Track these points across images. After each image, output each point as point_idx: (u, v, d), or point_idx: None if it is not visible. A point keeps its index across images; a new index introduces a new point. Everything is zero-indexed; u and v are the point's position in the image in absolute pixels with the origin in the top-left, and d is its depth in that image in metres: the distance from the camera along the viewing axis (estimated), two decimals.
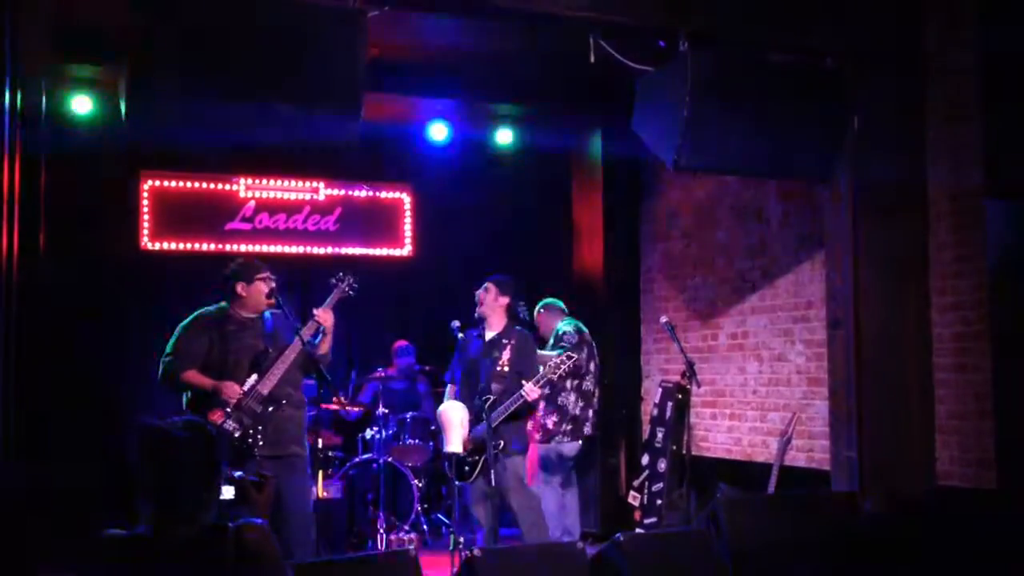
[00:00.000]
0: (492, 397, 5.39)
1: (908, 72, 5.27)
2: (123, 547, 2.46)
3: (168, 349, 4.80)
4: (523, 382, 5.32)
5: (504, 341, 5.48)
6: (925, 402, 5.19)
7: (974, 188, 4.96)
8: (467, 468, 5.46)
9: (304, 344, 4.73)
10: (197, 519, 2.49)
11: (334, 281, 5.07)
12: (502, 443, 5.35)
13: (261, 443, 4.67)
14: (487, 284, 5.55)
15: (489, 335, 5.53)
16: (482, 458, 5.33)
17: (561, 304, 6.66)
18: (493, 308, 5.52)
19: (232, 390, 4.67)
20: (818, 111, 5.12)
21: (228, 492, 2.69)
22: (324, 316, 4.88)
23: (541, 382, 5.29)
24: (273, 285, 4.88)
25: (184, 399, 4.83)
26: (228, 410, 4.65)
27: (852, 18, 5.19)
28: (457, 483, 5.42)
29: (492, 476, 5.22)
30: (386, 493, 6.65)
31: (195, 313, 4.90)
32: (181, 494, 2.49)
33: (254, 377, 4.75)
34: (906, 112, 5.27)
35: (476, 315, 5.59)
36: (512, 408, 5.34)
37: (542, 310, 6.64)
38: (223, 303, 4.91)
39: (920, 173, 5.25)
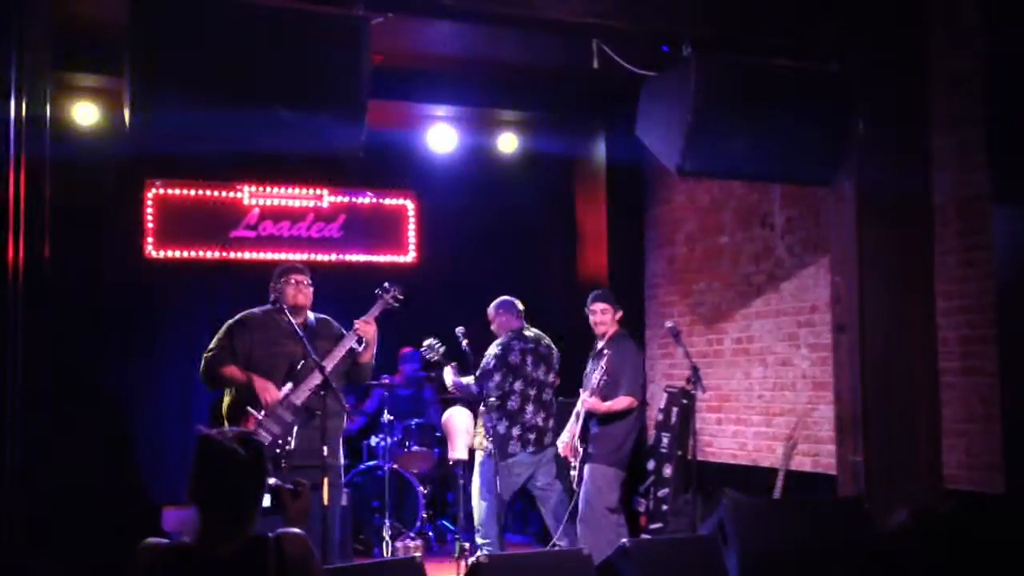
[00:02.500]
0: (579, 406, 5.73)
1: (912, 76, 5.26)
2: (164, 557, 2.46)
3: (211, 345, 4.83)
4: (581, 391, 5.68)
5: (605, 352, 5.75)
6: (931, 406, 5.17)
7: (980, 192, 4.95)
8: (571, 472, 5.81)
9: (322, 371, 4.64)
10: (243, 530, 2.50)
11: (379, 292, 5.05)
12: (581, 450, 5.67)
13: (290, 452, 4.64)
14: (603, 306, 5.88)
15: (599, 345, 5.88)
16: (576, 463, 5.73)
17: (518, 305, 6.22)
18: (604, 322, 5.89)
19: (270, 392, 4.66)
20: (822, 115, 5.11)
21: (265, 500, 2.71)
22: (365, 328, 4.87)
23: (588, 390, 5.59)
24: (304, 288, 4.90)
25: (224, 404, 4.83)
26: (260, 418, 4.62)
27: (855, 22, 5.19)
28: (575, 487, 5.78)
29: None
30: (392, 500, 6.64)
31: (242, 313, 4.94)
32: (231, 505, 2.50)
33: (289, 386, 4.72)
34: (910, 116, 5.26)
35: (599, 339, 5.93)
36: (581, 422, 5.66)
37: (493, 309, 6.26)
38: (270, 306, 4.93)
39: (925, 177, 5.24)
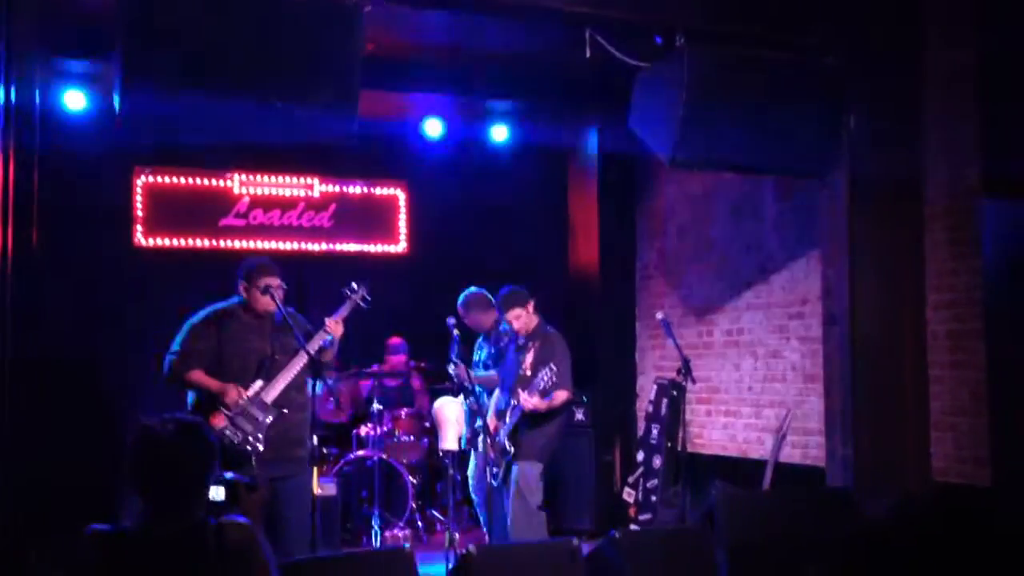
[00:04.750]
0: (514, 402, 5.47)
1: (905, 70, 5.27)
2: (105, 542, 2.48)
3: (174, 347, 4.71)
4: (519, 391, 5.36)
5: (530, 344, 5.57)
6: (920, 399, 5.20)
7: (970, 187, 4.96)
8: (496, 470, 5.54)
9: (311, 356, 4.65)
10: (183, 518, 2.51)
11: (347, 292, 4.96)
12: (513, 450, 5.44)
13: (261, 448, 4.62)
14: (517, 311, 5.54)
15: (520, 340, 5.65)
16: (504, 462, 5.47)
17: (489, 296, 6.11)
18: (524, 324, 5.59)
19: (233, 397, 4.62)
20: (815, 108, 5.12)
21: (219, 493, 2.70)
22: (335, 328, 4.80)
23: (535, 392, 5.30)
24: (277, 293, 4.73)
25: (190, 399, 4.78)
26: (230, 415, 4.60)
27: (849, 16, 5.19)
28: (495, 484, 5.54)
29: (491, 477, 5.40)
30: (381, 490, 6.63)
31: (206, 309, 4.80)
32: (167, 492, 2.51)
33: (259, 383, 4.67)
34: (902, 110, 5.27)
35: (522, 337, 5.61)
36: (516, 419, 5.41)
37: (463, 306, 6.10)
38: (235, 300, 4.85)
39: (916, 171, 5.25)
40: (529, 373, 5.45)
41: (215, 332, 4.71)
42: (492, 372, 5.96)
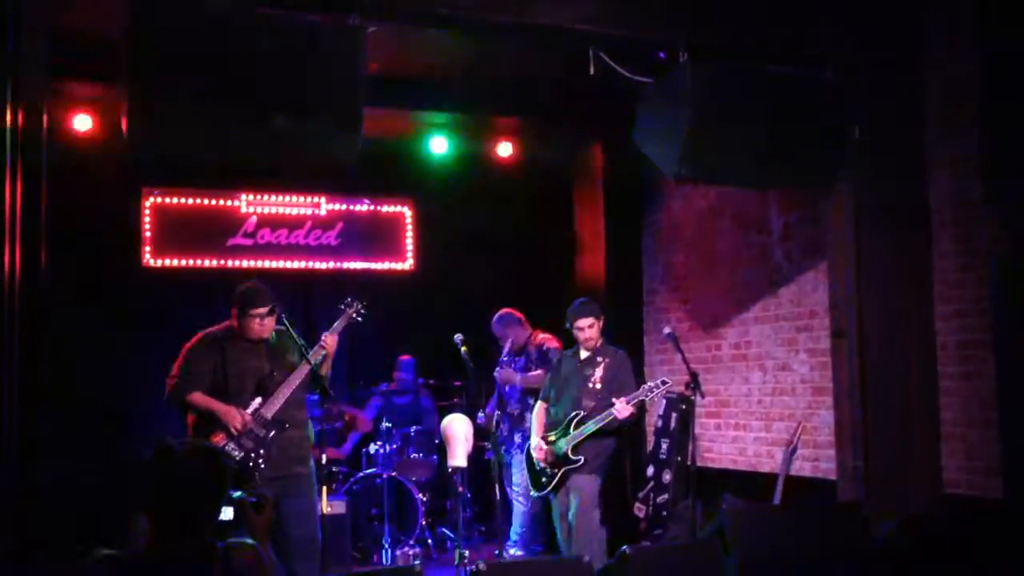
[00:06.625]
0: (582, 413, 5.50)
1: (909, 82, 5.28)
2: (110, 566, 2.45)
3: (173, 370, 4.77)
4: (614, 400, 5.40)
5: (598, 359, 5.61)
6: (930, 410, 5.18)
7: (975, 198, 4.96)
8: (544, 480, 5.60)
9: (312, 367, 4.69)
10: (191, 540, 2.49)
11: (342, 307, 5.04)
12: (582, 459, 5.46)
13: (263, 466, 4.64)
14: (590, 320, 5.63)
15: (584, 354, 5.68)
16: (560, 471, 5.51)
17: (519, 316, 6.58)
18: (593, 336, 5.66)
19: (236, 418, 4.64)
20: (819, 121, 5.12)
21: (227, 513, 2.69)
22: (330, 342, 4.86)
23: (634, 401, 5.37)
24: (267, 321, 4.79)
25: (189, 420, 4.80)
26: (231, 433, 4.62)
27: (852, 29, 5.21)
28: (535, 494, 5.68)
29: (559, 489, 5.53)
30: (391, 508, 6.63)
31: (201, 333, 4.87)
32: (180, 512, 2.50)
33: (258, 400, 4.72)
34: (907, 121, 5.28)
35: (586, 350, 5.69)
36: (601, 424, 5.43)
37: (500, 322, 6.55)
38: (230, 325, 4.88)
39: (921, 182, 5.25)
40: (599, 386, 5.51)
41: (212, 353, 4.77)
42: (539, 370, 6.30)
